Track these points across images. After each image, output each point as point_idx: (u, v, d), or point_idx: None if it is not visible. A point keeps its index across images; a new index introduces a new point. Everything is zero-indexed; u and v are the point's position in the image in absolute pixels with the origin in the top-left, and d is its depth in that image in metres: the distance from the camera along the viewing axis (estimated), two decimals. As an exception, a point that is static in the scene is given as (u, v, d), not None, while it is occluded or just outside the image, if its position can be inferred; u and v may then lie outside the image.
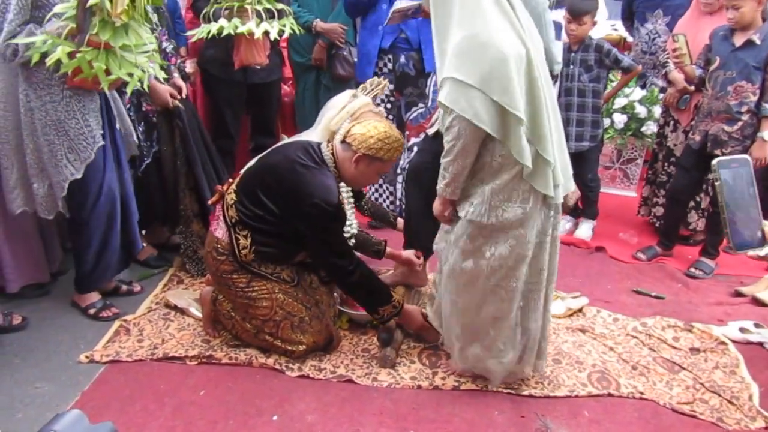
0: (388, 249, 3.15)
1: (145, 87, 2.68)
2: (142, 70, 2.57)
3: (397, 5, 3.46)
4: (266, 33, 3.27)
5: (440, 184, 2.27)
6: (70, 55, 2.40)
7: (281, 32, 3.36)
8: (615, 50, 3.75)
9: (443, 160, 2.21)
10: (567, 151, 2.32)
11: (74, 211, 2.80)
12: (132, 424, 2.26)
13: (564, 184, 2.26)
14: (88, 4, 2.31)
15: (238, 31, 3.24)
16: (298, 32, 3.54)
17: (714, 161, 2.38)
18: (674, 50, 3.59)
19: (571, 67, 3.78)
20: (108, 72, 2.45)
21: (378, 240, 3.15)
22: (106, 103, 2.80)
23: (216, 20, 3.26)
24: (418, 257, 3.15)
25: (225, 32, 3.22)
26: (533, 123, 2.11)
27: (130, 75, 2.51)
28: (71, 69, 2.43)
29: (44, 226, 3.09)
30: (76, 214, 2.81)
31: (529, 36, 2.11)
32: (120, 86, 2.80)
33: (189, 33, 3.38)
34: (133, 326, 2.86)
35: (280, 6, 3.40)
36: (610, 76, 4.08)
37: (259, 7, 3.29)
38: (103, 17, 2.35)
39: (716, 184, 2.36)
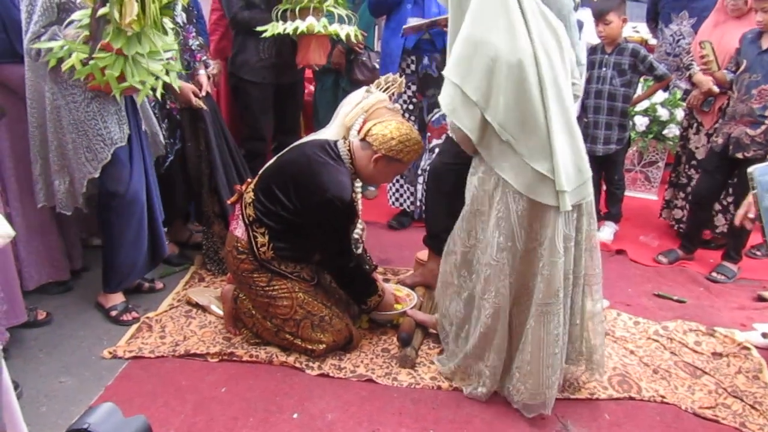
0: (375, 274, 3.01)
1: (158, 95, 2.71)
2: (156, 78, 2.60)
3: (408, 23, 3.50)
4: (335, 35, 3.43)
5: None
6: (84, 62, 2.44)
7: (348, 36, 3.46)
8: (651, 57, 3.72)
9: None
10: (583, 154, 2.23)
11: (102, 211, 2.85)
12: (154, 419, 2.27)
13: (577, 190, 2.19)
14: (98, 13, 2.35)
15: (316, 30, 3.34)
16: (359, 39, 3.66)
17: (750, 169, 2.36)
18: (702, 57, 3.57)
19: (604, 69, 3.75)
20: (122, 79, 2.48)
21: (371, 263, 3.15)
22: (133, 104, 2.83)
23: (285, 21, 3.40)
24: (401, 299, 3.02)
25: (299, 31, 3.34)
26: (520, 130, 2.09)
27: (143, 83, 2.53)
28: (84, 75, 2.48)
29: (65, 223, 3.12)
30: (104, 215, 2.85)
31: (538, 41, 2.07)
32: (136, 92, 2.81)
33: (260, 28, 3.45)
34: (155, 323, 2.89)
35: (346, 12, 3.50)
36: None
37: (336, 11, 3.44)
38: (116, 25, 2.37)
39: (753, 192, 2.34)
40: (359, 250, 3.08)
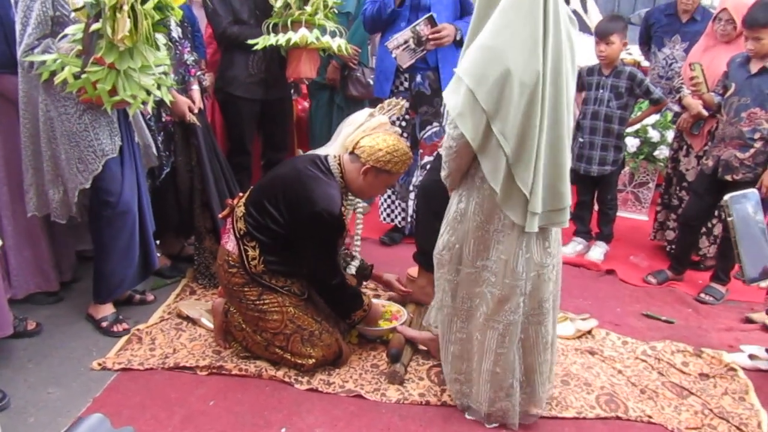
0: (374, 272, 3.22)
1: (149, 108, 2.74)
2: (148, 93, 2.62)
3: (390, 43, 3.54)
4: (327, 47, 3.47)
5: (442, 172, 2.33)
6: (76, 75, 2.46)
7: (340, 48, 3.50)
8: (647, 80, 3.77)
9: (443, 153, 2.26)
10: (565, 180, 2.20)
11: (93, 221, 2.86)
12: (142, 431, 2.27)
13: (546, 214, 2.18)
14: (91, 28, 2.38)
15: (309, 41, 3.37)
16: (348, 53, 3.71)
17: (726, 197, 2.40)
18: (691, 79, 3.61)
19: (601, 91, 3.80)
20: (114, 92, 2.50)
21: (366, 264, 3.20)
22: (125, 116, 2.84)
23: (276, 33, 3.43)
24: (398, 281, 3.25)
25: (293, 42, 3.36)
26: (519, 146, 2.08)
27: (134, 97, 2.56)
28: (76, 89, 2.50)
29: (57, 234, 3.13)
30: (95, 225, 2.85)
31: (552, 61, 2.05)
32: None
33: (251, 41, 3.47)
34: (145, 335, 2.89)
35: (336, 25, 3.54)
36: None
37: (329, 25, 3.48)
38: (108, 40, 2.39)
39: (729, 220, 2.38)
40: (357, 258, 3.16)
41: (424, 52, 3.55)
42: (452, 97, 2.11)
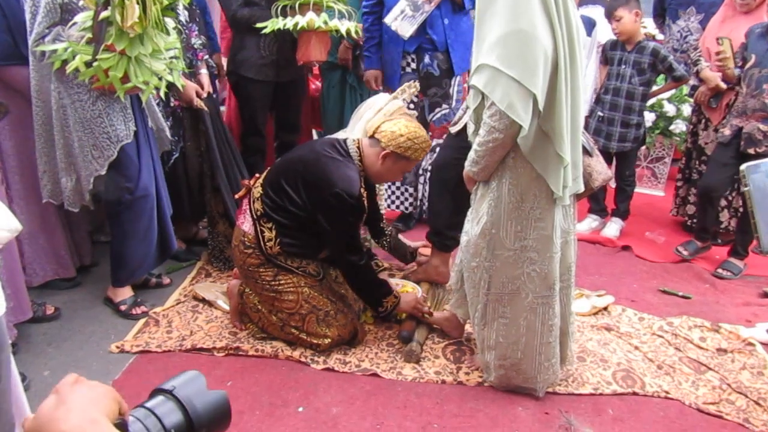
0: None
1: (161, 94, 2.74)
2: (159, 78, 2.62)
3: (387, 18, 3.43)
4: (335, 31, 3.41)
5: (472, 167, 2.24)
6: (88, 64, 2.46)
7: (348, 31, 3.44)
8: (671, 57, 3.72)
9: (479, 149, 2.17)
10: (580, 151, 2.26)
11: (112, 207, 2.87)
12: (161, 412, 2.30)
13: (571, 187, 2.21)
14: (100, 16, 2.37)
15: (316, 25, 3.33)
16: (359, 35, 3.63)
17: (742, 167, 2.37)
18: (718, 53, 3.54)
19: (623, 66, 3.76)
20: (126, 79, 2.50)
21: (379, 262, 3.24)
22: (138, 101, 2.85)
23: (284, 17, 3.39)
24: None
25: (300, 26, 3.33)
26: (549, 117, 2.07)
27: (146, 83, 2.56)
28: (88, 77, 2.50)
29: (74, 221, 3.16)
30: (114, 210, 2.87)
31: (566, 30, 2.04)
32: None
33: (260, 24, 3.44)
34: (162, 318, 2.92)
35: (345, 7, 3.49)
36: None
37: (336, 6, 3.42)
38: (118, 28, 2.39)
39: (745, 190, 2.36)
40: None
41: (425, 15, 3.40)
42: (496, 91, 2.02)
